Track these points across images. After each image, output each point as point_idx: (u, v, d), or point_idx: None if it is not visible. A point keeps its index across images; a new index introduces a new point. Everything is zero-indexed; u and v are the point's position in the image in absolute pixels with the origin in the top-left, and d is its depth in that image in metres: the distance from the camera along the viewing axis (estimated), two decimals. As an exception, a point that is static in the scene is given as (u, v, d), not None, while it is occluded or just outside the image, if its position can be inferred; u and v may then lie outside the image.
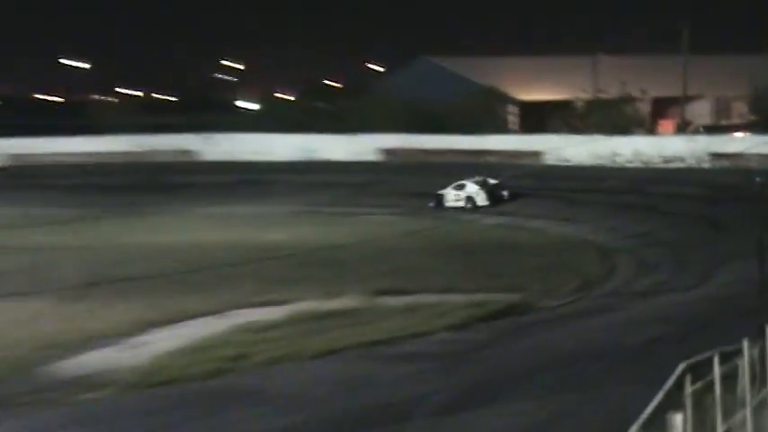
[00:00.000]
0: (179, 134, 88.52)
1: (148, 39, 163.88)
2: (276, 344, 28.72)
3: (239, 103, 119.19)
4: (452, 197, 64.84)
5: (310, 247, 45.37)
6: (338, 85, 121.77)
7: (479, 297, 34.73)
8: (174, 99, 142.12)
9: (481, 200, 64.23)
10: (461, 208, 63.47)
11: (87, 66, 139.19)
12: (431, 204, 64.18)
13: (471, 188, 65.04)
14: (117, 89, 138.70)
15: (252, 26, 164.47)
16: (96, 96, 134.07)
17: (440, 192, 65.22)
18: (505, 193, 64.90)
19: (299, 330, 30.28)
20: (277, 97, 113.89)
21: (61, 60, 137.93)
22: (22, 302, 33.80)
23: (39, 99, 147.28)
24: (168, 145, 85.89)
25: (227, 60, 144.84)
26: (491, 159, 74.48)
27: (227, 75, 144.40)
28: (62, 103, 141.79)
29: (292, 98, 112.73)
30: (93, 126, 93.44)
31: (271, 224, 54.84)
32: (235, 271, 38.70)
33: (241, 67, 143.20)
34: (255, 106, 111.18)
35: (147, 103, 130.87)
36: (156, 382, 25.66)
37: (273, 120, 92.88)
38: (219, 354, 27.80)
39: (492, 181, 65.66)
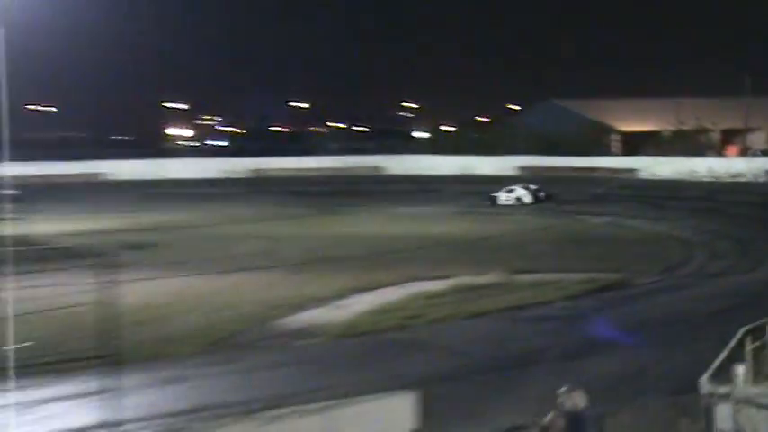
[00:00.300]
0: (371, 155, 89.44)
1: (350, 85, 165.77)
2: (441, 307, 28.78)
3: (415, 133, 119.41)
4: (504, 198, 64.36)
5: (466, 238, 45.33)
6: (487, 119, 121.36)
7: (590, 275, 34.24)
8: (368, 129, 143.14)
9: (527, 199, 63.95)
10: (511, 205, 62.80)
11: (307, 106, 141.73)
12: (487, 203, 63.55)
13: (520, 191, 64.72)
14: (327, 123, 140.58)
15: (425, 76, 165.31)
16: (313, 128, 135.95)
17: (493, 194, 64.59)
18: (542, 194, 64.50)
19: (458, 298, 30.27)
20: (442, 129, 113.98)
21: (289, 102, 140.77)
22: (259, 275, 34.44)
23: (272, 130, 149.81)
24: (364, 163, 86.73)
25: (406, 102, 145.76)
26: (598, 175, 73.74)
27: (406, 112, 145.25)
28: (289, 132, 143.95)
29: (454, 129, 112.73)
30: (311, 149, 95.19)
31: (437, 221, 54.86)
32: (411, 254, 38.87)
33: (416, 106, 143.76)
34: (426, 135, 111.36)
35: (348, 133, 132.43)
36: (354, 333, 25.96)
37: (440, 145, 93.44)
38: (400, 314, 27.98)
39: (532, 186, 65.38)
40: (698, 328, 24.57)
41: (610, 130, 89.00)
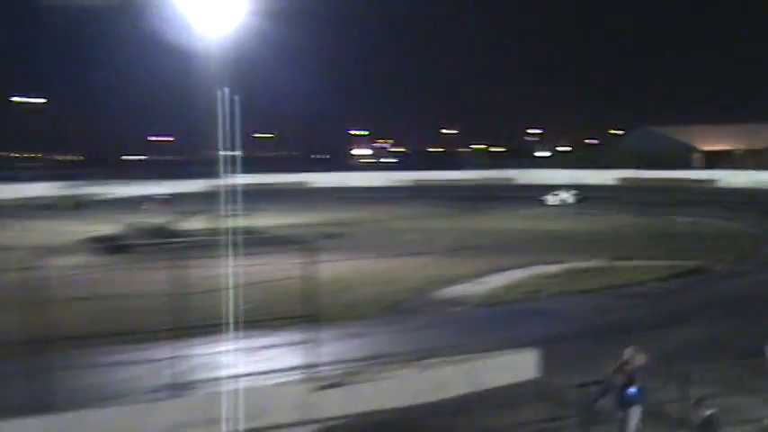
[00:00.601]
0: (505, 169, 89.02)
1: (489, 115, 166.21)
2: (557, 285, 28.19)
3: (538, 152, 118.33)
4: (551, 200, 62.17)
5: (575, 232, 44.32)
6: (595, 141, 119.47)
7: (675, 263, 32.70)
8: (501, 150, 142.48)
9: (571, 200, 61.92)
10: (557, 205, 60.71)
11: (456, 132, 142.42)
12: (538, 203, 61.57)
13: (564, 194, 62.75)
14: (471, 144, 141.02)
15: (547, 108, 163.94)
16: (460, 148, 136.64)
17: (541, 197, 62.61)
18: (581, 196, 62.56)
19: (570, 278, 29.55)
20: (559, 149, 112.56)
21: (442, 129, 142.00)
22: (418, 258, 34.46)
23: (430, 150, 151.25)
24: (499, 175, 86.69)
25: (532, 128, 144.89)
26: (683, 184, 71.54)
27: (532, 137, 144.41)
28: (442, 151, 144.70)
29: (569, 149, 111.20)
30: (459, 164, 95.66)
31: (553, 219, 53.59)
32: (533, 244, 38.18)
33: (540, 131, 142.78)
34: (547, 154, 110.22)
35: (487, 152, 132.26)
36: (490, 303, 25.73)
37: (557, 161, 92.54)
38: (525, 289, 27.57)
39: (574, 191, 63.34)
40: (765, 306, 23.32)
41: (693, 149, 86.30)
